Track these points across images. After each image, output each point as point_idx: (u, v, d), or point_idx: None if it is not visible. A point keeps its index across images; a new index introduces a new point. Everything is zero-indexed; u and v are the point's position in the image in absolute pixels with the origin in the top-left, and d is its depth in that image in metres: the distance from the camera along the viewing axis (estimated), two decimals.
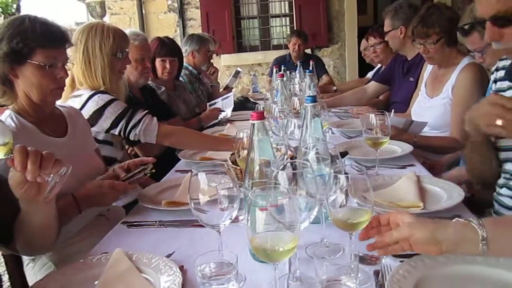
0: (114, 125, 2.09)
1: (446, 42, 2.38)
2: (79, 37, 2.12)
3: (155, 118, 2.17)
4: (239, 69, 4.65)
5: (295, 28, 6.71)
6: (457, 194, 1.42)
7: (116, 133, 2.10)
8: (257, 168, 1.09)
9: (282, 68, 3.73)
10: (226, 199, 1.02)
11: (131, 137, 2.13)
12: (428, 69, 2.70)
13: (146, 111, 2.18)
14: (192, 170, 1.01)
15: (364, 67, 4.51)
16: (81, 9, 7.46)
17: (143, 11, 6.84)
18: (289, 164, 1.09)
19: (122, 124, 2.09)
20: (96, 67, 2.12)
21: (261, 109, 2.09)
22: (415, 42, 2.47)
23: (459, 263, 1.02)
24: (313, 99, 1.28)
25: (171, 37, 5.34)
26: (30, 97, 1.59)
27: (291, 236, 0.88)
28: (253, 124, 1.08)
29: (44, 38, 1.53)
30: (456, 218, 0.97)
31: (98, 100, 2.07)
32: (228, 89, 4.39)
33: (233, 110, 3.41)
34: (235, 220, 1.10)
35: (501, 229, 0.94)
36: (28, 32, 1.51)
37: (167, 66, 3.18)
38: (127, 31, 2.57)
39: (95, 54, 2.12)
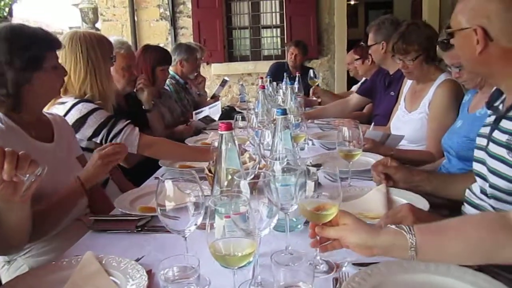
0: (96, 133, 2.12)
1: (424, 59, 2.45)
2: (77, 47, 2.16)
3: (136, 129, 2.20)
4: (226, 78, 4.71)
5: (285, 39, 6.81)
6: (423, 206, 1.47)
7: (98, 141, 2.14)
8: (224, 177, 1.14)
9: (285, 75, 3.82)
10: (192, 206, 1.06)
11: None
12: (407, 84, 2.77)
13: (128, 121, 2.21)
14: (159, 177, 1.05)
15: (353, 79, 4.58)
16: (74, 14, 7.51)
17: (135, 19, 6.89)
18: (255, 173, 1.14)
19: (103, 133, 2.12)
20: (101, 76, 2.19)
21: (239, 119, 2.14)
22: (395, 57, 2.54)
23: (413, 272, 1.07)
24: (283, 112, 1.33)
25: (162, 45, 5.42)
26: (37, 101, 1.67)
27: (250, 242, 0.92)
28: (222, 135, 1.12)
29: (49, 41, 1.64)
30: (389, 225, 1.04)
31: (82, 109, 2.10)
32: (215, 97, 4.45)
33: (219, 119, 3.47)
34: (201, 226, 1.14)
35: (430, 236, 1.00)
36: (37, 37, 1.60)
37: (167, 73, 3.27)
38: (113, 40, 2.62)
39: (99, 63, 2.18)
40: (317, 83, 4.22)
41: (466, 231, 1.02)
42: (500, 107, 1.41)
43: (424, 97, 2.48)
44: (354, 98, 3.58)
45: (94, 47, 2.17)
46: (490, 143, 1.39)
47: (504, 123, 1.34)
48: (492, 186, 1.37)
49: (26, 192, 1.15)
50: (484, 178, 1.42)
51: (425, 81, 2.52)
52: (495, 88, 1.48)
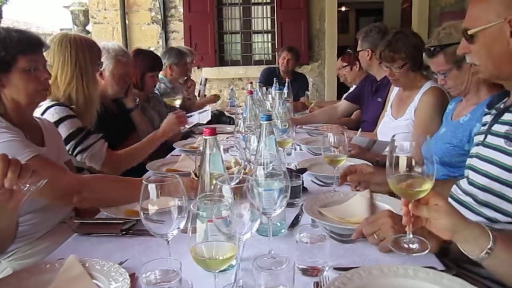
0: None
1: (410, 67, 2.49)
2: (66, 49, 2.15)
3: (105, 145, 2.20)
4: (203, 77, 4.75)
5: (276, 45, 6.85)
6: None
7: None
8: (208, 181, 1.15)
9: (275, 80, 3.82)
10: (176, 210, 1.07)
11: (77, 158, 2.15)
12: (394, 91, 2.81)
13: (101, 136, 2.21)
14: (143, 181, 1.06)
15: (343, 85, 4.61)
16: (65, 16, 7.49)
17: (127, 22, 6.89)
18: (239, 178, 1.15)
19: (71, 144, 2.10)
20: (88, 81, 2.17)
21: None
22: (382, 64, 2.57)
23: (392, 277, 1.09)
24: (268, 117, 1.35)
25: (153, 48, 5.41)
26: (17, 103, 1.65)
27: (231, 246, 0.94)
28: (206, 140, 1.14)
29: (23, 44, 1.62)
30: (496, 219, 1.09)
31: (54, 113, 2.07)
32: (205, 97, 4.48)
33: (208, 123, 3.47)
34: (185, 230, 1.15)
35: (508, 252, 1.04)
36: (7, 41, 1.59)
37: (156, 79, 3.26)
38: (115, 45, 2.65)
39: (86, 67, 2.17)
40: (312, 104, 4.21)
41: None
42: (502, 106, 1.46)
43: (410, 104, 2.52)
44: (343, 104, 3.62)
45: (83, 51, 2.17)
46: (488, 136, 1.44)
47: (506, 116, 1.39)
48: (484, 174, 1.40)
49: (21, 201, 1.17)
50: (475, 170, 1.46)
51: (412, 89, 2.56)
52: (491, 95, 1.51)
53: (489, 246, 1.03)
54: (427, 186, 1.03)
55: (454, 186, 1.57)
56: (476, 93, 1.91)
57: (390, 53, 2.47)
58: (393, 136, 1.10)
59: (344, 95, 4.61)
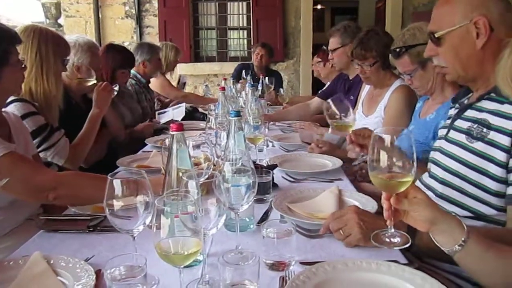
0: None
1: (381, 65, 2.54)
2: (29, 38, 2.10)
3: (68, 141, 2.19)
4: (183, 78, 4.74)
5: (252, 42, 6.85)
6: (371, 207, 1.52)
7: None
8: (175, 177, 1.15)
9: (245, 75, 3.82)
10: (142, 206, 1.07)
11: (41, 155, 2.11)
12: (365, 89, 2.85)
13: (63, 132, 2.18)
14: (108, 176, 1.05)
15: (318, 83, 4.65)
16: (37, 8, 7.29)
17: (100, 16, 6.77)
18: (206, 174, 1.15)
19: (36, 142, 2.06)
20: (48, 74, 2.11)
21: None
22: (354, 62, 2.61)
23: (357, 270, 1.11)
24: (237, 113, 1.35)
25: (127, 43, 5.34)
26: (4, 98, 1.66)
27: (195, 242, 0.94)
28: (173, 135, 1.14)
29: (11, 37, 1.62)
30: (455, 213, 1.11)
31: (15, 110, 2.00)
32: None
33: (181, 119, 3.46)
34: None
35: (480, 247, 1.07)
36: (2, 33, 1.59)
37: (128, 76, 3.22)
38: (85, 39, 2.61)
39: (48, 60, 2.12)
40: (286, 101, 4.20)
41: (509, 257, 1.08)
42: (465, 102, 1.50)
43: (380, 101, 2.56)
44: (315, 101, 3.64)
45: (46, 42, 2.12)
46: (451, 131, 1.48)
47: (468, 112, 1.43)
48: (445, 169, 1.44)
49: None
50: (437, 164, 1.50)
51: (382, 86, 2.61)
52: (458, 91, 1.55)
53: (463, 239, 1.04)
54: (408, 178, 1.05)
55: (417, 181, 1.61)
56: (442, 92, 1.96)
57: (362, 51, 2.51)
58: (374, 131, 1.11)
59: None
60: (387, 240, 1.10)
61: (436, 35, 1.39)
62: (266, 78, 4.27)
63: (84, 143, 2.36)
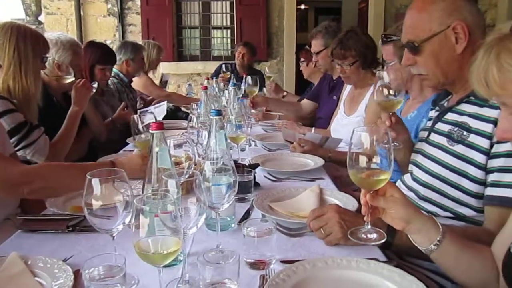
0: None
1: (361, 64, 2.56)
2: (6, 36, 2.07)
3: (48, 139, 2.17)
4: (165, 77, 4.71)
5: (235, 41, 6.84)
6: (351, 206, 1.53)
7: None
8: (155, 176, 1.14)
9: (225, 69, 3.79)
10: (122, 205, 1.06)
11: (20, 153, 2.08)
12: (347, 89, 2.88)
13: (43, 130, 2.16)
14: (87, 176, 1.04)
15: (301, 82, 4.65)
16: (17, 5, 7.17)
17: (81, 13, 6.69)
18: (187, 173, 1.15)
19: (14, 139, 2.03)
20: (27, 71, 2.08)
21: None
22: (334, 62, 2.64)
23: (336, 269, 1.12)
24: (218, 113, 1.35)
25: (109, 41, 5.26)
26: None
27: (175, 241, 0.94)
28: (153, 134, 1.13)
29: None
30: (431, 215, 1.13)
31: None
32: None
33: (164, 118, 3.44)
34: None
35: (455, 247, 1.09)
36: None
37: (107, 74, 3.17)
38: (67, 37, 2.58)
39: (27, 57, 2.08)
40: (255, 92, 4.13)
41: (484, 256, 1.10)
42: (445, 104, 1.52)
43: (361, 101, 2.59)
44: (304, 103, 3.69)
45: (25, 39, 2.09)
46: (432, 134, 1.50)
47: (449, 115, 1.45)
48: (427, 171, 1.46)
49: None
50: (419, 166, 1.52)
51: (363, 86, 2.63)
52: (435, 93, 1.57)
53: (438, 238, 1.06)
54: (385, 176, 1.07)
55: (399, 181, 1.63)
56: (421, 92, 1.99)
57: (341, 50, 2.53)
58: (353, 130, 1.12)
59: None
60: (364, 236, 1.12)
61: (416, 44, 1.39)
62: (249, 77, 4.27)
63: (64, 141, 2.34)
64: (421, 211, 1.15)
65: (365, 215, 1.11)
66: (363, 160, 1.07)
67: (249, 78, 3.65)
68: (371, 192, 1.08)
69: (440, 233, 1.07)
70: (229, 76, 4.25)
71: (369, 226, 1.12)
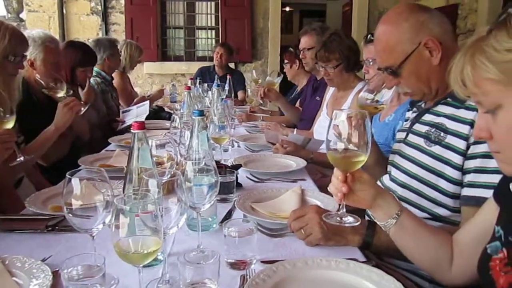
0: None
1: (344, 67, 2.59)
2: None
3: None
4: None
5: (220, 42, 6.83)
6: (332, 207, 1.55)
7: None
8: (136, 175, 1.14)
9: (197, 80, 3.79)
10: (102, 205, 1.06)
11: None
12: (330, 91, 2.90)
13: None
14: (67, 175, 1.03)
15: (286, 84, 4.65)
16: None
17: (64, 11, 6.60)
18: (169, 173, 1.15)
19: None
20: None
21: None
22: (318, 64, 2.66)
23: (316, 268, 1.13)
24: (200, 113, 1.36)
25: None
26: None
27: (155, 240, 0.94)
28: (134, 134, 1.13)
29: None
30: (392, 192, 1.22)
31: None
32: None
33: (147, 118, 3.42)
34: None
35: (413, 222, 1.16)
36: None
37: (89, 75, 3.12)
38: (40, 33, 2.51)
39: None
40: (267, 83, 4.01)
41: (441, 237, 1.15)
42: (423, 105, 1.55)
43: (344, 103, 2.61)
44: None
45: None
46: (410, 134, 1.53)
47: (426, 117, 1.48)
48: (404, 172, 1.49)
49: None
50: (396, 167, 1.55)
51: (345, 89, 2.66)
52: None
53: (397, 212, 1.14)
54: (362, 158, 1.11)
55: (378, 182, 1.65)
56: (397, 95, 2.02)
57: (325, 53, 2.55)
58: (334, 111, 1.14)
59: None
60: (339, 219, 1.16)
61: (394, 69, 1.43)
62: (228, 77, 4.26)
63: (31, 152, 2.15)
64: (382, 188, 1.24)
65: (339, 201, 1.16)
66: (341, 141, 1.11)
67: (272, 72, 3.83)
68: (348, 174, 1.13)
69: (398, 208, 1.16)
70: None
71: (344, 210, 1.17)
